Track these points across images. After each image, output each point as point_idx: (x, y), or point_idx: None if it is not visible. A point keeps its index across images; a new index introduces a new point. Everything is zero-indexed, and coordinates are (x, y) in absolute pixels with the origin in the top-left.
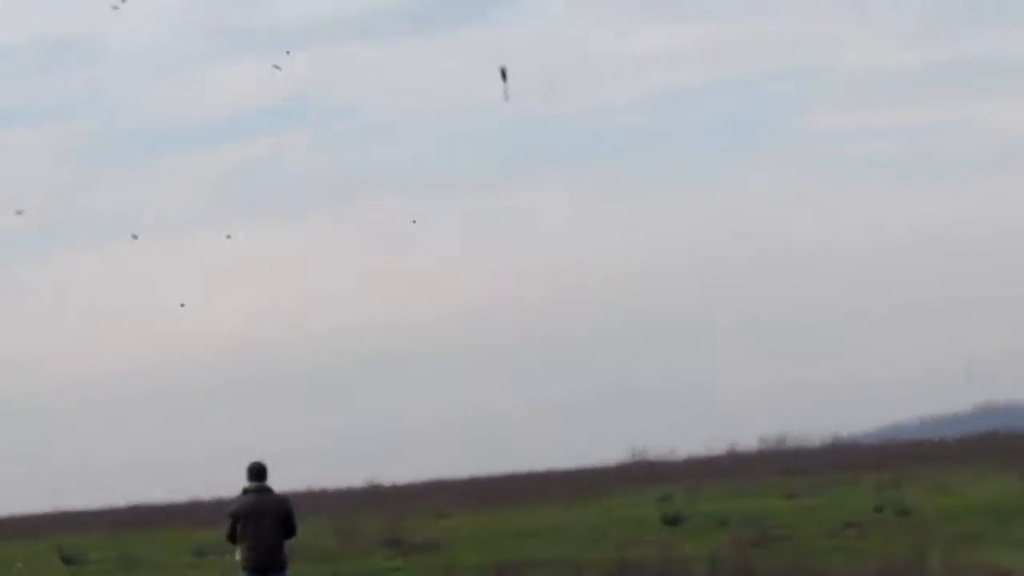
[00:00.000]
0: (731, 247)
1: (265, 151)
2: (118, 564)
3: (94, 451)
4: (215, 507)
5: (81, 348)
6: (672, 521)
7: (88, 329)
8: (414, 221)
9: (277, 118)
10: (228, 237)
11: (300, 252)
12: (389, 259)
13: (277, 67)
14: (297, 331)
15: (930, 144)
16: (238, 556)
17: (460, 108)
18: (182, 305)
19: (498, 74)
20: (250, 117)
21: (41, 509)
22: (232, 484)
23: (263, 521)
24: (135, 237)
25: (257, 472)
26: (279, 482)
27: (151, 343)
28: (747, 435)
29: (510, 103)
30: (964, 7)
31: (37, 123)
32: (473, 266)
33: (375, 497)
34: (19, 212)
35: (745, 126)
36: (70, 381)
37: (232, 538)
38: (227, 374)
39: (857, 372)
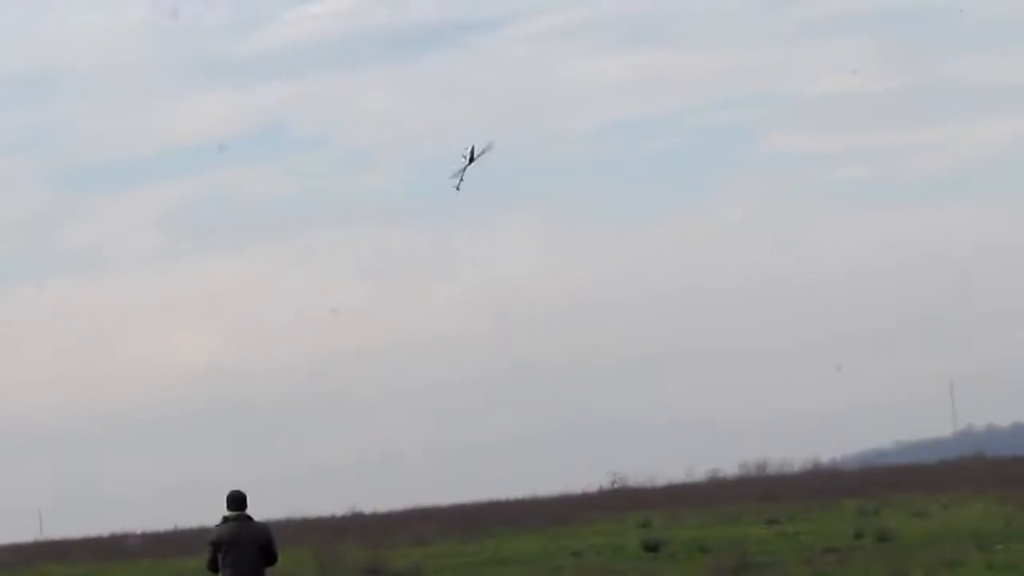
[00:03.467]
0: (705, 276)
1: (232, 181)
2: None
3: (72, 482)
4: (196, 535)
5: (43, 381)
6: (652, 548)
7: (50, 362)
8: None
9: (248, 147)
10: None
11: (265, 280)
12: (358, 287)
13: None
14: (267, 360)
15: (893, 167)
16: None
17: (428, 136)
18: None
19: (464, 156)
20: (216, 147)
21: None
22: (212, 512)
23: (244, 549)
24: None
25: (237, 500)
26: (259, 511)
27: (116, 374)
28: (728, 462)
29: (480, 139)
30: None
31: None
32: (443, 294)
33: (357, 525)
34: None
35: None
36: (34, 412)
37: (213, 566)
38: (199, 404)
39: (835, 398)
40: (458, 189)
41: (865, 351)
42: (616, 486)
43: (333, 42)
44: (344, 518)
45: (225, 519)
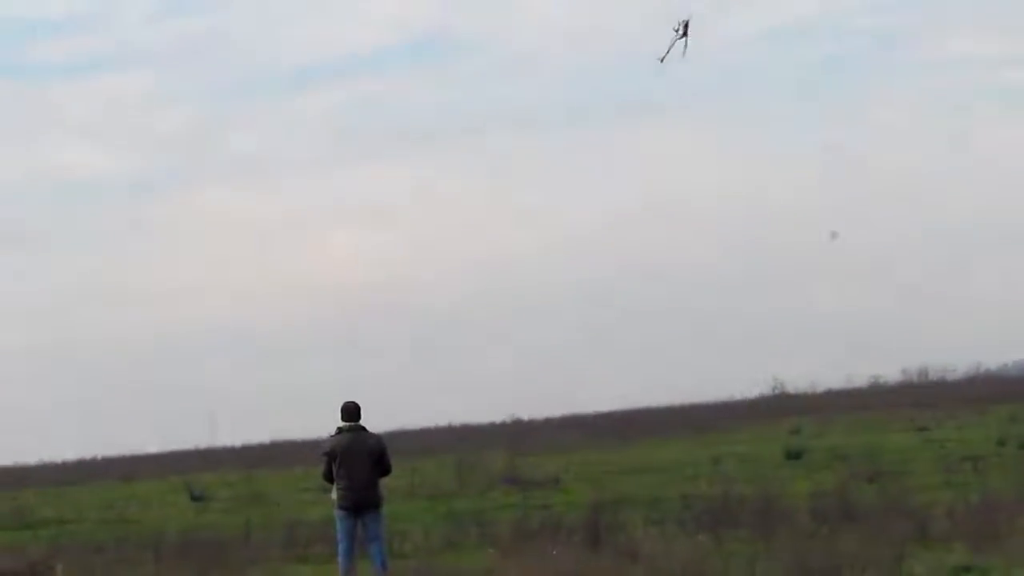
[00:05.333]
0: (861, 181)
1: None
2: (244, 502)
3: (228, 391)
4: None
5: (208, 289)
6: (795, 455)
7: (217, 269)
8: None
9: (405, 54)
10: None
11: (436, 186)
12: (513, 195)
13: None
14: (430, 269)
15: None
16: (334, 495)
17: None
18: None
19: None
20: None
21: (174, 447)
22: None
23: (358, 460)
24: None
25: (351, 412)
26: (414, 419)
27: (280, 285)
28: (890, 367)
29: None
30: None
31: (167, 65)
32: (610, 197)
33: (508, 432)
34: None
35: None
36: (195, 322)
37: (328, 476)
38: (363, 312)
39: (1006, 302)
40: (662, 61)
41: None
42: (776, 392)
43: None
44: (498, 425)
45: (339, 430)
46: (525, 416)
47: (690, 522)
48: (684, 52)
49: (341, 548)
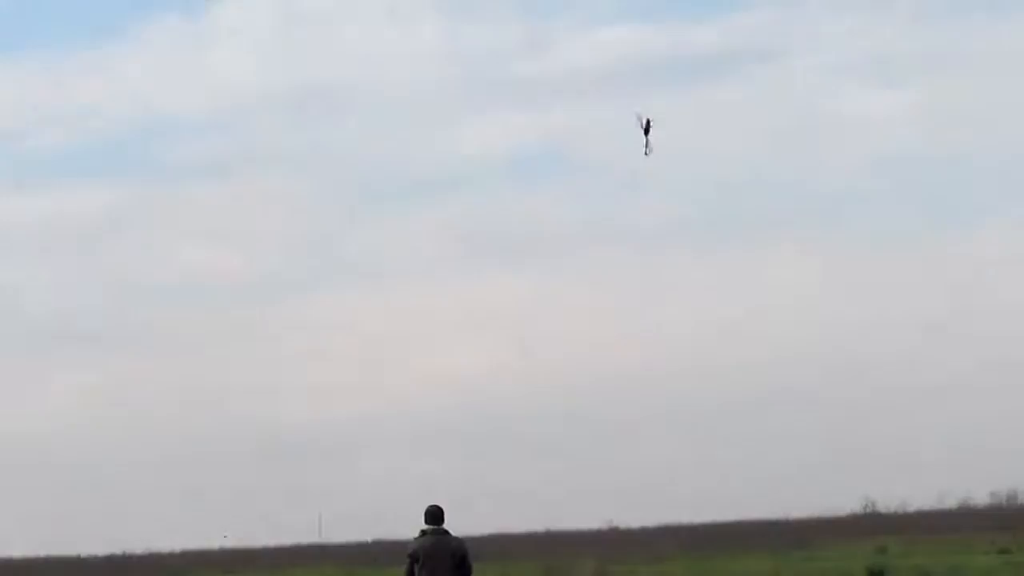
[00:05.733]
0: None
1: (515, 198)
2: None
3: (348, 488)
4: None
5: (340, 389)
6: (878, 572)
7: (349, 369)
8: None
9: (530, 166)
10: None
11: (546, 295)
12: (628, 307)
13: None
14: (543, 375)
15: None
16: None
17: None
18: None
19: (641, 126)
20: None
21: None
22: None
23: (439, 562)
24: None
25: (435, 515)
26: (510, 523)
27: (404, 383)
28: (980, 489)
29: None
30: None
31: (298, 170)
32: (713, 316)
33: (606, 539)
34: None
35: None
36: (318, 421)
37: None
38: (471, 415)
39: None
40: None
41: None
42: (867, 511)
43: (617, 68)
44: (598, 532)
45: (423, 532)
46: (622, 524)
47: None
48: (647, 151)
49: None
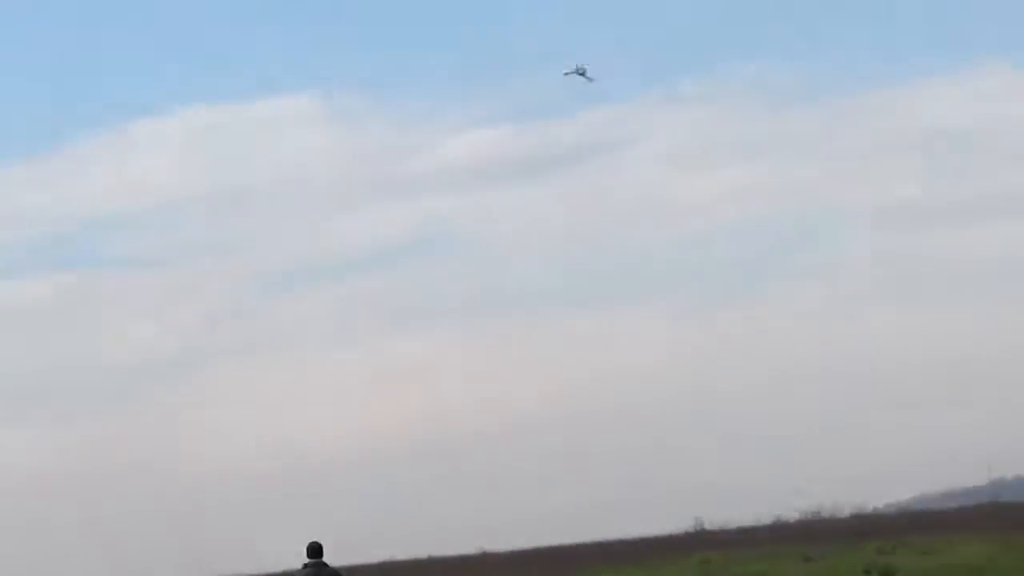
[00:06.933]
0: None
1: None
2: None
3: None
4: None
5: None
6: None
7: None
8: None
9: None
10: None
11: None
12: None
13: None
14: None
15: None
16: None
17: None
18: None
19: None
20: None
21: None
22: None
23: None
24: None
25: (315, 550)
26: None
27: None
28: (791, 507)
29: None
30: None
31: (222, 257)
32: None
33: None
34: None
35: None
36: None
37: None
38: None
39: (887, 450)
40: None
41: (911, 411)
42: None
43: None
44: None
45: (305, 566)
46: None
47: None
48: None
49: None
